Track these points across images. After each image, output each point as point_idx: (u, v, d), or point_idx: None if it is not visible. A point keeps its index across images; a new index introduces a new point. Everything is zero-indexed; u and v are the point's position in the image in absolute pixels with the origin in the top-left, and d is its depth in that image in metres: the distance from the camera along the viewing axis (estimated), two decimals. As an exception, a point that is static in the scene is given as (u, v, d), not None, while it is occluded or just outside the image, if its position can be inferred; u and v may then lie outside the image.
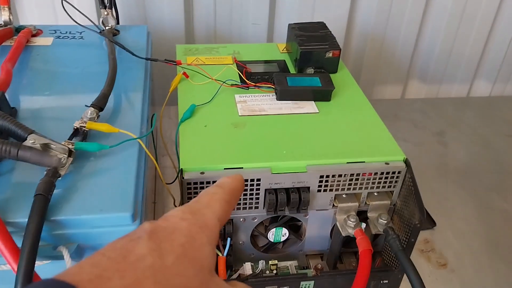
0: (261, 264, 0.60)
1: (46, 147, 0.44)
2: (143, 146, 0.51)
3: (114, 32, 0.74)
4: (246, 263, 0.60)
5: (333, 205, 0.58)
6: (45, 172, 0.43)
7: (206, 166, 0.53)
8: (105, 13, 0.71)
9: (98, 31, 0.69)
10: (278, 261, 0.61)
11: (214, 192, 0.31)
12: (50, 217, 0.41)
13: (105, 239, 0.44)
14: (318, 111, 0.63)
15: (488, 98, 1.15)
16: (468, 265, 0.68)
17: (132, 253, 0.23)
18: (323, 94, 0.65)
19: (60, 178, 0.44)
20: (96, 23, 0.73)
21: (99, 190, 0.45)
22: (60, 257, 0.42)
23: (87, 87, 0.60)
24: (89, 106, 0.51)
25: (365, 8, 1.01)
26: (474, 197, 0.79)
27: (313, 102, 0.65)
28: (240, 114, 0.62)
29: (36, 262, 0.40)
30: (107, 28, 0.73)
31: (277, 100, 0.65)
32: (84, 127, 0.49)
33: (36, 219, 0.39)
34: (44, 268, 0.41)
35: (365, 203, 0.58)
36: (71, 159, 0.46)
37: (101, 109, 0.52)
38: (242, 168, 0.53)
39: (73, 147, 0.45)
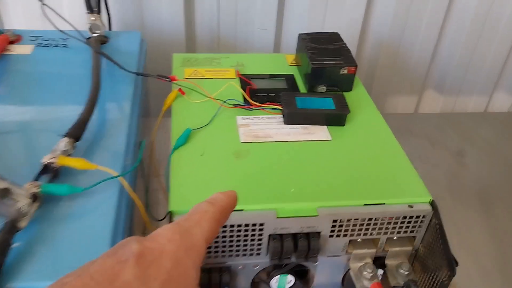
0: (262, 314, 0.53)
1: (3, 193, 0.36)
2: (126, 185, 0.43)
3: (103, 40, 0.66)
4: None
5: (347, 251, 0.50)
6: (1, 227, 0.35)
7: (201, 207, 0.45)
8: (92, 18, 0.63)
9: (85, 38, 0.61)
10: (281, 310, 0.54)
11: (206, 210, 0.31)
12: (4, 284, 0.34)
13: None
14: (331, 138, 0.56)
15: (509, 113, 1.07)
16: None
17: (119, 278, 0.24)
18: (336, 119, 0.58)
19: (20, 231, 0.36)
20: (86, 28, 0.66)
21: (66, 247, 0.37)
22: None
23: (66, 109, 0.52)
24: (63, 136, 0.44)
25: (381, 13, 0.93)
26: (499, 227, 0.71)
27: (325, 126, 0.58)
28: (242, 141, 0.54)
29: None
30: (94, 35, 0.65)
31: (284, 123, 0.58)
32: (55, 163, 0.41)
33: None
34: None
35: (383, 249, 0.51)
36: (36, 205, 0.38)
37: (77, 138, 0.45)
38: (243, 210, 0.46)
39: (39, 190, 0.38)
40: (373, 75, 1.02)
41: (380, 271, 0.52)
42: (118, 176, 0.43)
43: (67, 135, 0.44)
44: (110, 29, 0.76)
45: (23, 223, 0.37)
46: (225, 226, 0.45)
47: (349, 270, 0.51)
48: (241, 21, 0.89)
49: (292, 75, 0.68)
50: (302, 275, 0.53)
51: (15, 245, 0.36)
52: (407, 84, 1.05)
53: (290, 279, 0.52)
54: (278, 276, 0.51)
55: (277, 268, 0.51)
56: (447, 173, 0.81)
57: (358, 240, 0.50)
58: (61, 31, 0.60)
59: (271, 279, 0.51)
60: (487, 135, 0.93)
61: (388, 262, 0.51)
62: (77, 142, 0.45)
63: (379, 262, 0.52)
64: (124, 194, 0.44)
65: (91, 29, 0.64)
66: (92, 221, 0.40)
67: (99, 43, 0.63)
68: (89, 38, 0.65)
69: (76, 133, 0.44)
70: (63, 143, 0.43)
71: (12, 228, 0.35)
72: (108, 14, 0.72)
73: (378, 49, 0.98)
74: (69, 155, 0.43)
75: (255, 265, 0.50)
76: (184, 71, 0.66)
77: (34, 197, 0.38)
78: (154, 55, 0.84)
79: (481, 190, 0.78)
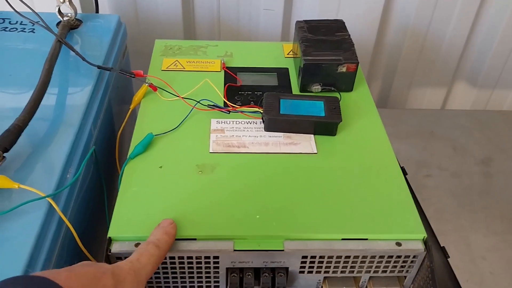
0: None
1: None
2: (56, 207, 0.37)
3: (74, 24, 0.59)
4: None
5: (322, 288, 0.43)
6: None
7: (145, 234, 0.39)
8: (61, 0, 0.56)
9: (48, 26, 0.54)
10: None
11: (152, 254, 0.35)
12: None
13: None
14: (316, 152, 0.48)
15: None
16: None
17: (100, 282, 0.30)
18: (326, 127, 0.49)
19: None
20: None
21: None
22: None
23: (11, 108, 0.46)
24: (-11, 146, 0.38)
25: (406, -5, 0.82)
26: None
27: (312, 136, 0.49)
28: (211, 151, 0.47)
29: None
30: (64, 19, 0.58)
31: (264, 130, 0.50)
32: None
33: None
34: None
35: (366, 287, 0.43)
36: None
37: (5, 149, 0.38)
38: (196, 239, 0.39)
39: None
40: (395, 66, 0.91)
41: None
42: (46, 196, 0.37)
43: (-9, 145, 0.38)
44: (97, 11, 0.70)
45: None
46: (173, 258, 0.39)
47: (324, 310, 0.44)
48: (244, 1, 0.80)
49: (287, 69, 0.59)
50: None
51: None
52: (435, 76, 0.93)
53: (257, 313, 0.45)
54: (242, 311, 0.45)
55: (241, 302, 0.44)
56: (467, 185, 0.71)
57: (336, 278, 0.42)
58: (20, 14, 0.53)
59: (233, 314, 0.45)
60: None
61: (371, 304, 0.43)
62: (8, 153, 0.39)
63: (361, 301, 0.44)
64: (52, 219, 0.38)
65: (60, 12, 0.58)
66: (5, 250, 0.34)
67: (67, 29, 0.56)
68: (59, 22, 0.58)
69: (4, 142, 0.38)
70: (-15, 155, 0.37)
71: None
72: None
73: (402, 36, 0.87)
74: (-8, 169, 0.37)
75: (213, 299, 0.43)
76: (163, 61, 0.59)
77: None
78: (147, 41, 0.77)
79: (508, 211, 0.68)
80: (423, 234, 0.40)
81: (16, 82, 0.51)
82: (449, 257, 0.59)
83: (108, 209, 0.49)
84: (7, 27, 0.58)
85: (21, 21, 0.59)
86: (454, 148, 0.77)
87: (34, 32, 0.58)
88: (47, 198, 0.37)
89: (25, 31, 0.58)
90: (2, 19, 0.60)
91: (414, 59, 0.90)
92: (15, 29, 0.58)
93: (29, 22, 0.58)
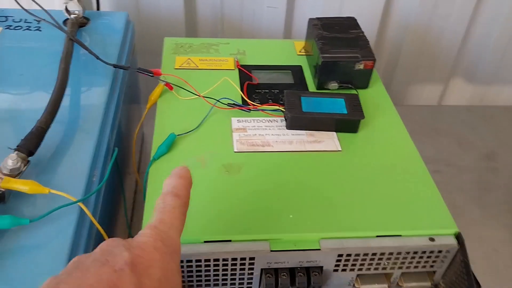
0: None
1: None
2: (87, 212, 0.36)
3: (82, 22, 0.58)
4: None
5: (354, 286, 0.43)
6: None
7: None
8: (67, -3, 0.55)
9: (58, 22, 0.53)
10: None
11: (174, 206, 0.30)
12: None
13: None
14: (340, 149, 0.47)
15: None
16: None
17: None
18: (349, 125, 0.49)
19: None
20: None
21: (13, 284, 0.31)
22: None
23: (28, 109, 0.45)
24: (14, 150, 0.36)
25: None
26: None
27: (334, 134, 0.49)
28: (235, 150, 0.46)
29: None
30: (72, 16, 0.56)
31: (287, 128, 0.49)
32: (-1, 186, 0.34)
33: None
34: None
35: (397, 283, 0.43)
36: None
37: (30, 153, 0.37)
38: (231, 241, 0.38)
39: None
40: (396, 61, 0.91)
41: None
42: (77, 201, 0.35)
43: (17, 149, 0.36)
44: (98, 8, 0.68)
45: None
46: (208, 260, 0.38)
47: (356, 306, 0.44)
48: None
49: (300, 66, 0.59)
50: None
51: None
52: (433, 73, 0.94)
53: (287, 313, 0.45)
54: (273, 311, 0.44)
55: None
56: (475, 180, 0.72)
57: (369, 275, 0.42)
58: (28, 11, 0.52)
59: (264, 314, 0.44)
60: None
61: (402, 299, 0.44)
62: (32, 157, 0.38)
63: (392, 297, 0.44)
64: (84, 223, 0.37)
65: (67, 10, 0.56)
66: (41, 256, 0.33)
67: (77, 27, 0.55)
68: (66, 20, 0.56)
69: (29, 145, 0.37)
70: (11, 160, 0.35)
71: None
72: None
73: (403, 33, 0.88)
74: (19, 174, 0.36)
75: (246, 301, 0.43)
76: (176, 59, 0.58)
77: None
78: (149, 38, 0.75)
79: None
80: (455, 229, 0.41)
81: (28, 82, 0.49)
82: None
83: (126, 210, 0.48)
84: (11, 25, 0.56)
85: (26, 19, 0.57)
86: (459, 143, 0.78)
87: (40, 30, 0.56)
88: (78, 203, 0.36)
89: (30, 29, 0.56)
90: (5, 16, 0.57)
91: (414, 56, 0.91)
92: (20, 27, 0.56)
93: (34, 20, 0.56)
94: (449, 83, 0.97)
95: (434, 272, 0.43)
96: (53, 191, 0.35)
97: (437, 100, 1.00)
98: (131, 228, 0.54)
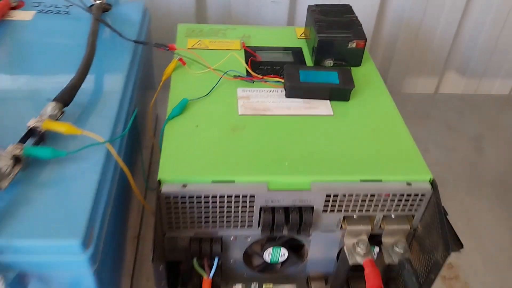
0: (254, 285, 0.52)
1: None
2: (113, 152, 0.43)
3: (105, 7, 0.65)
4: (236, 284, 0.52)
5: (341, 227, 0.49)
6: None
7: (190, 177, 0.45)
8: (95, -16, 0.63)
9: (86, 5, 0.61)
10: (274, 284, 0.53)
11: None
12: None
13: (50, 268, 0.37)
14: (332, 114, 0.54)
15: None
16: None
17: None
18: (340, 93, 0.56)
19: (1, 191, 0.36)
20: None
21: (46, 209, 0.38)
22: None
23: (60, 77, 0.52)
24: (52, 100, 0.43)
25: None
26: (510, 217, 0.68)
27: (328, 101, 0.56)
28: (240, 113, 0.53)
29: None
30: (97, 2, 0.64)
31: (286, 97, 0.56)
32: (40, 127, 0.41)
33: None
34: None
35: (380, 226, 0.49)
36: (18, 167, 0.38)
37: (66, 104, 0.44)
38: (234, 181, 0.45)
39: (21, 152, 0.38)
40: (392, 55, 0.98)
41: (376, 249, 0.51)
42: (105, 142, 0.42)
43: (55, 99, 0.44)
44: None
45: (4, 183, 0.37)
46: (215, 197, 0.45)
47: (343, 247, 0.50)
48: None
49: (300, 48, 0.66)
50: (296, 249, 0.52)
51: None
52: (428, 65, 1.01)
53: (284, 252, 0.51)
54: (271, 249, 0.51)
55: (270, 240, 0.50)
56: (463, 160, 0.78)
57: (354, 216, 0.49)
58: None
59: (264, 252, 0.51)
60: (509, 120, 0.89)
61: (384, 240, 0.50)
62: (66, 108, 0.45)
63: (375, 239, 0.50)
64: (110, 162, 0.44)
65: (93, -4, 0.64)
66: (73, 189, 0.40)
67: (101, 11, 0.63)
68: (91, 5, 0.64)
69: (64, 98, 0.44)
70: (50, 107, 0.42)
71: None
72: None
73: (398, 28, 0.95)
74: (56, 120, 0.43)
75: (247, 237, 0.49)
76: (188, 41, 0.65)
77: (17, 159, 0.38)
78: (161, 26, 0.82)
79: (497, 178, 0.75)
80: (429, 175, 0.47)
81: (67, 53, 0.56)
82: (447, 214, 0.66)
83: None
84: (43, 10, 0.64)
85: (56, 4, 0.65)
86: (449, 127, 0.84)
87: (68, 14, 0.64)
88: (106, 144, 0.43)
89: (60, 13, 0.64)
90: (38, 2, 0.66)
91: (409, 50, 0.97)
92: (51, 11, 0.64)
93: (64, 5, 0.65)
94: (443, 76, 1.04)
95: (413, 216, 0.49)
96: (85, 132, 0.42)
97: (432, 92, 1.06)
98: (148, 181, 0.60)
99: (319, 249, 0.51)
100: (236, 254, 0.51)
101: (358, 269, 0.49)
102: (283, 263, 0.53)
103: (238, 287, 0.52)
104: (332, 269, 0.54)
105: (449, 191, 0.70)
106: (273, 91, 0.57)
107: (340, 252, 0.51)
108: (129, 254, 0.57)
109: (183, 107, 0.53)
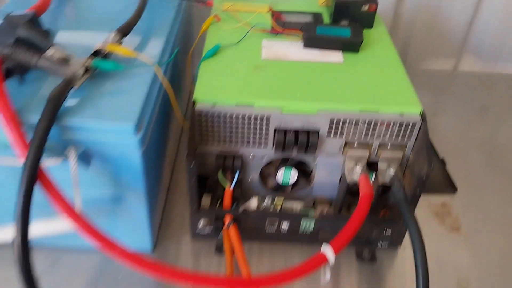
0: (267, 200, 0.62)
1: (64, 60, 0.48)
2: (159, 73, 0.53)
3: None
4: (253, 198, 0.62)
5: (343, 152, 0.58)
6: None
7: (218, 99, 0.55)
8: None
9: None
10: (284, 200, 0.62)
11: None
12: (60, 120, 0.45)
13: (110, 147, 0.48)
14: (342, 61, 0.63)
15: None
16: (483, 233, 0.65)
17: None
18: (351, 45, 0.65)
19: (74, 89, 0.47)
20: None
21: (108, 103, 0.49)
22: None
23: (123, 16, 0.63)
24: (114, 31, 0.55)
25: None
26: (503, 174, 0.74)
27: (340, 52, 0.65)
28: (263, 58, 0.63)
29: (48, 161, 0.45)
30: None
31: (304, 47, 0.65)
32: (105, 48, 0.52)
33: (44, 120, 0.43)
34: (56, 169, 0.45)
35: (376, 154, 0.58)
36: (87, 75, 0.49)
37: (124, 34, 0.55)
38: (253, 105, 0.55)
39: (90, 63, 0.49)
40: (410, 37, 1.06)
41: (373, 176, 0.59)
42: (153, 64, 0.53)
43: (117, 30, 0.55)
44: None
45: (76, 84, 0.48)
46: (237, 117, 0.54)
47: (344, 170, 0.58)
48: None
49: (320, 13, 0.75)
50: (304, 173, 0.61)
51: (69, 98, 0.47)
52: (446, 47, 1.08)
53: (294, 174, 0.60)
54: (283, 170, 0.60)
55: (283, 162, 0.60)
56: (468, 125, 0.85)
57: (354, 144, 0.57)
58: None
59: (277, 172, 0.60)
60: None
61: (380, 166, 0.58)
62: (125, 39, 0.56)
63: (372, 167, 0.58)
64: (156, 81, 0.54)
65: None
66: (128, 93, 0.51)
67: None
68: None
69: (124, 29, 0.55)
70: (113, 35, 0.53)
71: (68, 84, 0.47)
72: None
73: (417, 11, 1.02)
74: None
75: (263, 156, 0.58)
76: (223, 4, 0.76)
77: (86, 68, 0.49)
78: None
79: (497, 142, 0.81)
80: (420, 108, 0.55)
81: (114, 16, 0.68)
82: (446, 164, 0.74)
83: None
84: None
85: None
86: (456, 97, 0.91)
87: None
88: (154, 66, 0.53)
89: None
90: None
91: (427, 32, 1.05)
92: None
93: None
94: (461, 59, 1.10)
95: (406, 146, 0.57)
96: (139, 55, 0.53)
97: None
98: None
99: (324, 173, 0.60)
100: (253, 173, 0.60)
101: (357, 194, 0.58)
102: (293, 186, 0.62)
103: (254, 200, 0.61)
104: (335, 195, 0.63)
105: (453, 150, 0.78)
106: (293, 43, 0.66)
107: (342, 177, 0.60)
108: (166, 175, 0.67)
109: (216, 51, 0.63)
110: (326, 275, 0.51)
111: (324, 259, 0.49)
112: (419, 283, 0.50)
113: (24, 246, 0.41)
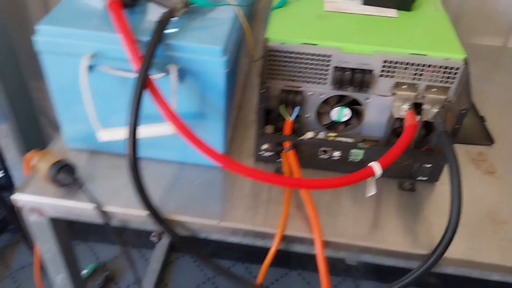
0: (322, 133, 0.70)
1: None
2: (239, 13, 0.63)
3: None
4: (308, 132, 0.71)
5: (393, 93, 0.66)
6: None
7: (287, 38, 0.64)
8: None
9: None
10: (337, 137, 0.71)
11: None
12: (165, 39, 0.56)
13: (202, 66, 0.58)
14: (397, 16, 0.71)
15: None
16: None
17: None
18: (404, 2, 0.72)
19: (175, 19, 0.58)
20: None
21: (202, 30, 0.60)
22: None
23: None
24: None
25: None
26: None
27: (395, 10, 0.73)
28: (325, 10, 0.72)
29: (154, 75, 0.56)
30: None
31: (363, 4, 0.74)
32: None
33: (154, 38, 0.54)
34: (160, 81, 0.57)
35: (423, 96, 0.65)
36: (185, 8, 0.60)
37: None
38: (317, 44, 0.64)
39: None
40: (460, 17, 1.11)
41: (418, 117, 0.67)
42: (236, 5, 0.63)
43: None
44: None
45: (177, 14, 0.59)
46: (302, 54, 0.64)
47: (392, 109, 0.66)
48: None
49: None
50: (356, 112, 0.70)
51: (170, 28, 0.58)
52: (495, 26, 1.13)
53: (347, 112, 0.69)
54: (338, 108, 0.68)
55: (338, 102, 0.68)
56: (509, 93, 0.91)
57: (403, 86, 0.65)
58: None
59: (332, 109, 0.69)
60: None
61: (424, 106, 0.66)
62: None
63: (418, 109, 0.66)
64: (237, 21, 0.65)
65: None
66: (216, 25, 0.62)
67: None
68: None
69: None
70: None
71: (172, 12, 0.57)
72: None
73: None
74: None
75: (321, 94, 0.67)
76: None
77: (185, 4, 0.60)
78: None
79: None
80: (464, 54, 0.62)
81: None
82: (486, 121, 0.80)
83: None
84: None
85: None
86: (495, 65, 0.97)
87: None
88: (236, 8, 0.63)
89: None
90: None
91: (477, 11, 1.10)
92: None
93: None
94: (508, 39, 1.15)
95: (449, 88, 0.65)
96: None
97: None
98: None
99: (374, 112, 0.68)
100: (311, 110, 0.69)
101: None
102: (345, 124, 0.71)
103: (309, 133, 0.70)
104: (383, 135, 0.71)
105: (493, 111, 0.84)
106: (354, 1, 0.75)
107: (390, 115, 0.68)
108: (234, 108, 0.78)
109: (284, 3, 0.72)
110: (371, 188, 0.59)
111: (371, 172, 0.57)
112: (454, 206, 0.58)
113: (134, 139, 0.53)
